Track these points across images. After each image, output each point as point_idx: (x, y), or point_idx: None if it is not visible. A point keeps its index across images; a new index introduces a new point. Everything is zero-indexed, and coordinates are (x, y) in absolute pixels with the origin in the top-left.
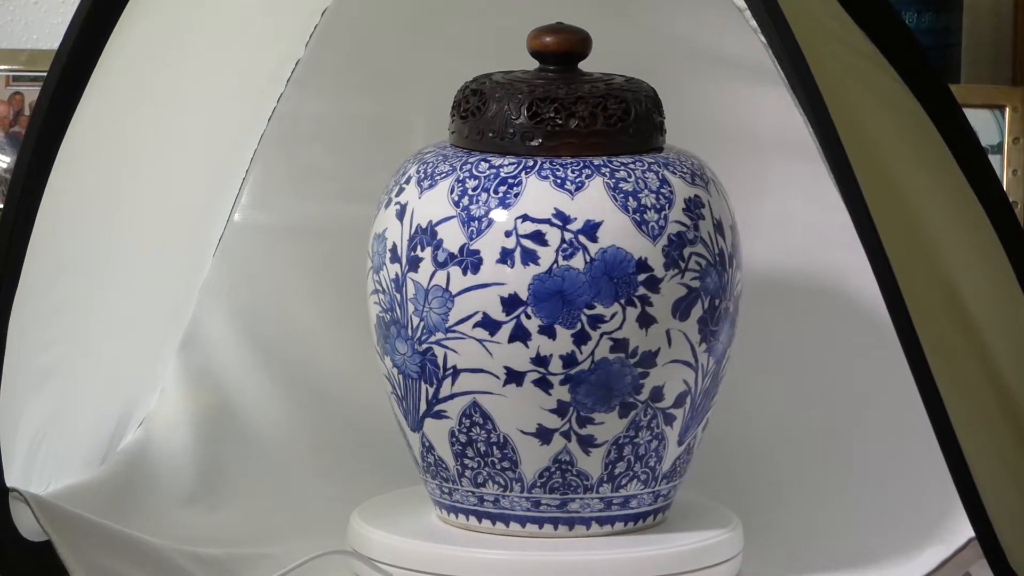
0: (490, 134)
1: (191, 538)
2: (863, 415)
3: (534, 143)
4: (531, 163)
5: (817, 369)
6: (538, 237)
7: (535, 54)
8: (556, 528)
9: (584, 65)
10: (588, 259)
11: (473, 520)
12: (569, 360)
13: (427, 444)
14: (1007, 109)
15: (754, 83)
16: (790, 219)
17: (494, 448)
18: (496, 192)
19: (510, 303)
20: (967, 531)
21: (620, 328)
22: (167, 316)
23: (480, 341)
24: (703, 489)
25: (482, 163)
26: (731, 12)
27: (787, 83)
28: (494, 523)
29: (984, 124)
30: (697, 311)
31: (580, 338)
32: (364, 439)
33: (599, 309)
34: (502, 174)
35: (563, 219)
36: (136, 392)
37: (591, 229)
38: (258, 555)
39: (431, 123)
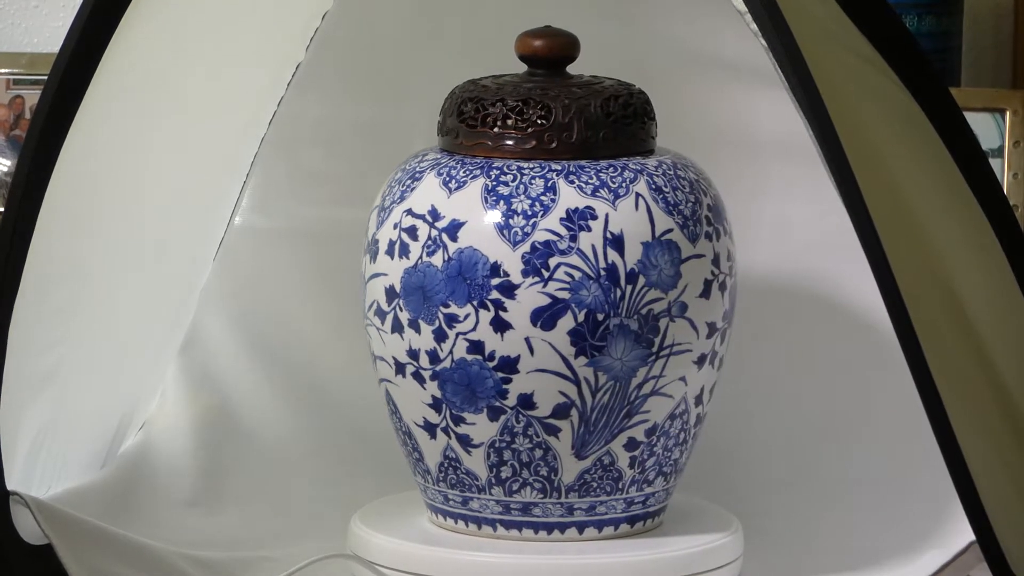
0: (441, 132)
1: (191, 541)
2: (863, 418)
3: (459, 141)
4: (442, 160)
5: (817, 372)
6: (412, 232)
7: (522, 58)
8: (467, 525)
9: (585, 69)
10: (446, 257)
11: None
12: (433, 357)
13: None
14: (1007, 113)
15: (755, 86)
16: (790, 222)
17: (407, 437)
18: (403, 185)
19: (390, 294)
20: (967, 535)
21: (474, 330)
22: (167, 319)
23: (378, 329)
24: (702, 492)
25: (417, 158)
26: (732, 15)
27: (787, 86)
28: (436, 515)
29: (984, 128)
30: (567, 323)
31: (439, 336)
32: (364, 442)
33: (453, 308)
34: (417, 169)
35: (435, 216)
36: (137, 395)
37: (454, 228)
38: (258, 558)
39: (432, 127)
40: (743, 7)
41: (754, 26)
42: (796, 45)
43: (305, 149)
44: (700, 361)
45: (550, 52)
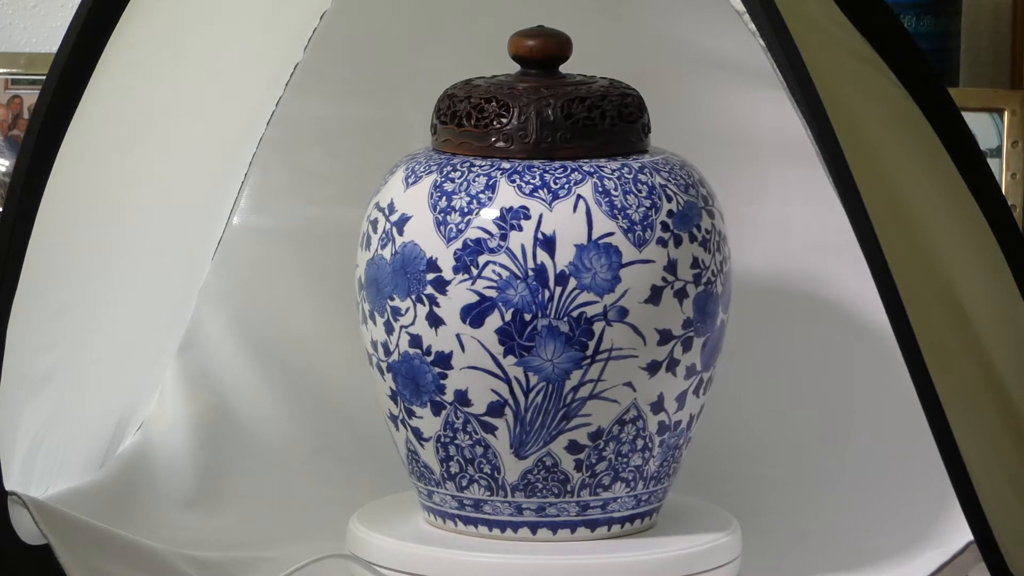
0: (430, 130)
1: (190, 541)
2: (861, 418)
3: (435, 138)
4: (417, 156)
5: (815, 372)
6: (375, 224)
7: (515, 58)
8: (435, 519)
9: (585, 69)
10: (393, 251)
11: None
12: (386, 349)
13: None
14: (1006, 113)
15: (753, 87)
16: (789, 223)
17: (387, 427)
18: (384, 180)
19: (358, 285)
20: (966, 535)
21: (413, 324)
22: (166, 319)
23: (357, 319)
24: (699, 492)
25: (407, 155)
26: (730, 15)
27: (786, 87)
28: (422, 511)
29: (983, 128)
30: (494, 321)
31: (388, 328)
32: (363, 442)
33: (396, 302)
34: (396, 164)
35: (391, 210)
36: (135, 395)
37: (402, 223)
38: (257, 558)
39: (429, 126)
40: (741, 7)
41: (752, 26)
42: (794, 45)
43: (303, 149)
44: (651, 368)
45: (536, 52)
